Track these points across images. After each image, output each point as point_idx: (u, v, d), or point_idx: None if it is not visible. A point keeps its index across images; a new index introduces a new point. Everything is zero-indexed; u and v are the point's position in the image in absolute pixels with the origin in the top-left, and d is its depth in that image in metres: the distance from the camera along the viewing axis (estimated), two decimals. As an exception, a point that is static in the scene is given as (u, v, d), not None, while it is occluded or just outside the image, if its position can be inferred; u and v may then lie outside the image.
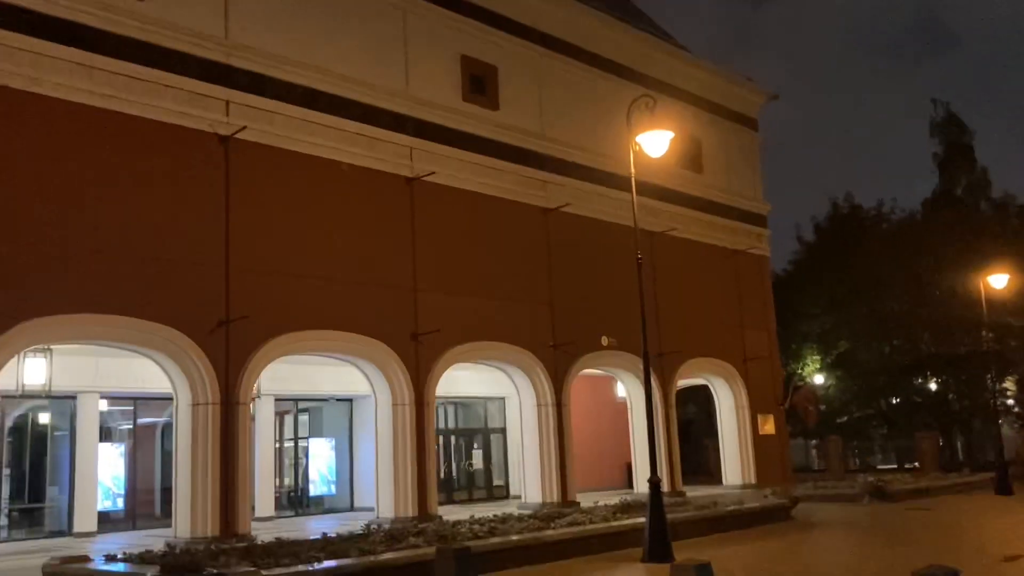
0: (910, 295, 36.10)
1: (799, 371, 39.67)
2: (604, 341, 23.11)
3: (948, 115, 40.69)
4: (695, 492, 23.94)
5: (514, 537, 12.44)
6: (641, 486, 22.54)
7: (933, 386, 39.35)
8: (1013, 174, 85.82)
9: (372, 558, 10.62)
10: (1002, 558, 12.21)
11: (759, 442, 28.90)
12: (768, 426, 29.54)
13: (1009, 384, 38.43)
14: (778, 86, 36.31)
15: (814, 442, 38.92)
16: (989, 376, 37.05)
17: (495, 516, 14.51)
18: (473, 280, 20.54)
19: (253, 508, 20.51)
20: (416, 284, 19.32)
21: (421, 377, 19.10)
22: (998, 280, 26.04)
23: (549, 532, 13.24)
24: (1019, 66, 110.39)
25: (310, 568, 10.07)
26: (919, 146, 77.69)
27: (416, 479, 18.69)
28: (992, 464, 33.25)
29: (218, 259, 16.01)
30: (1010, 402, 38.53)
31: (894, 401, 40.18)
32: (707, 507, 16.90)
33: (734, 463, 28.68)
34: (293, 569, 10.00)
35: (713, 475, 30.21)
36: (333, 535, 12.69)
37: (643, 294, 13.70)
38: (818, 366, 38.92)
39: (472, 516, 14.38)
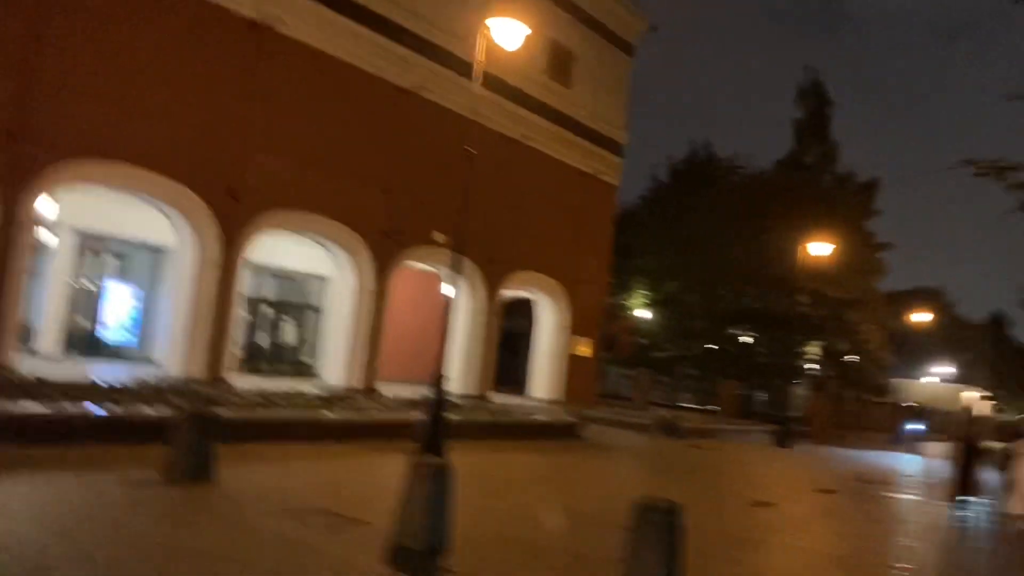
0: (743, 249, 37.53)
1: (626, 303, 40.94)
2: (438, 238, 22.62)
3: (814, 84, 41.97)
4: (503, 400, 24.27)
5: (285, 413, 11.98)
6: (452, 385, 22.55)
7: (748, 339, 41.56)
8: (858, 155, 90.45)
9: (118, 408, 9.89)
10: (752, 502, 12.86)
11: (573, 362, 29.58)
12: (584, 348, 30.24)
13: (813, 348, 41.09)
14: (664, 22, 36.00)
15: (627, 372, 40.37)
16: (796, 338, 39.63)
17: (284, 392, 14.02)
18: (310, 148, 19.41)
19: (31, 343, 19.06)
20: (246, 140, 18.03)
21: (234, 237, 18.03)
22: (819, 248, 27.26)
23: (327, 414, 12.86)
24: (891, 57, 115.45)
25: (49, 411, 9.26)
26: (787, 112, 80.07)
27: (211, 342, 17.82)
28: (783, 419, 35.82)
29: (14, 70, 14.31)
30: (810, 365, 41.22)
31: (709, 347, 42.18)
32: (498, 414, 17.02)
33: (545, 379, 29.28)
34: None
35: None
36: (102, 383, 11.81)
37: (468, 188, 13.23)
38: (645, 301, 40.23)
39: (262, 388, 13.83)
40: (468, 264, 21.47)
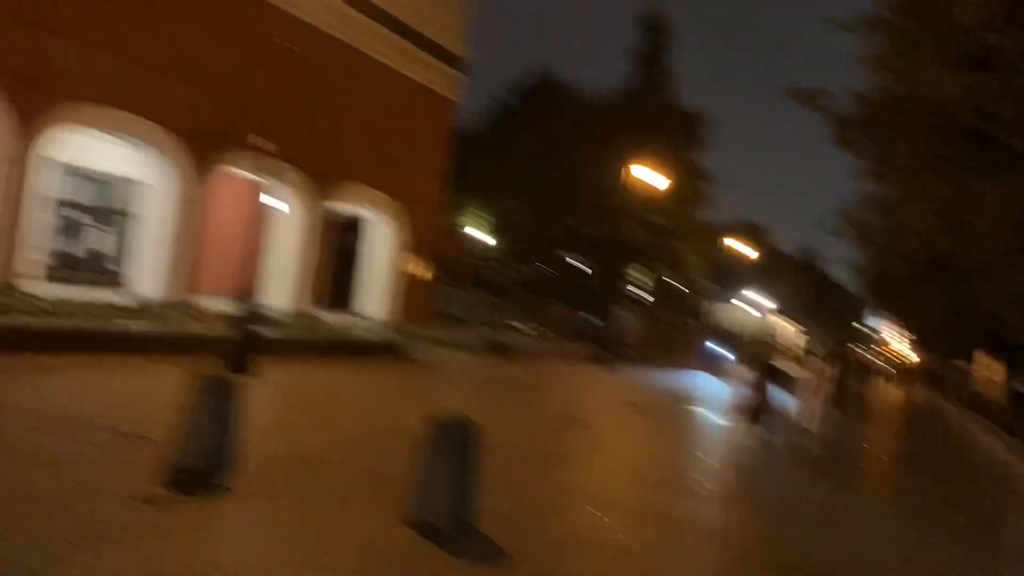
0: (575, 174, 38.07)
1: (465, 224, 40.83)
2: (260, 143, 21.41)
3: (652, 14, 42.50)
4: (334, 318, 23.72)
5: (81, 323, 11.10)
6: (270, 299, 21.76)
7: (580, 265, 42.58)
8: (697, 90, 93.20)
9: None
10: (564, 420, 13.19)
11: (407, 282, 29.31)
12: (418, 269, 30.00)
13: (639, 274, 42.65)
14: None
15: (465, 294, 40.55)
16: (624, 263, 41.01)
17: (87, 301, 12.98)
18: (122, 39, 17.73)
19: None
20: (44, 19, 16.23)
21: (29, 129, 16.33)
22: (644, 173, 27.95)
23: (129, 326, 12.04)
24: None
25: None
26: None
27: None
28: (606, 341, 37.14)
29: None
30: (636, 290, 42.81)
31: (542, 269, 42.93)
32: (319, 331, 16.57)
33: (379, 298, 28.89)
34: None
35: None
36: None
37: (291, 91, 12.45)
38: (483, 223, 40.26)
39: (64, 297, 12.73)
40: (294, 174, 20.54)
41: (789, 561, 6.79)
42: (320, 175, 23.23)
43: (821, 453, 13.90)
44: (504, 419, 11.46)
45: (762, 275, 72.53)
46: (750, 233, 74.67)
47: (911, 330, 43.49)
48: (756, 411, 15.53)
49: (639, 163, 31.29)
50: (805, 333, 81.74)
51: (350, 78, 24.13)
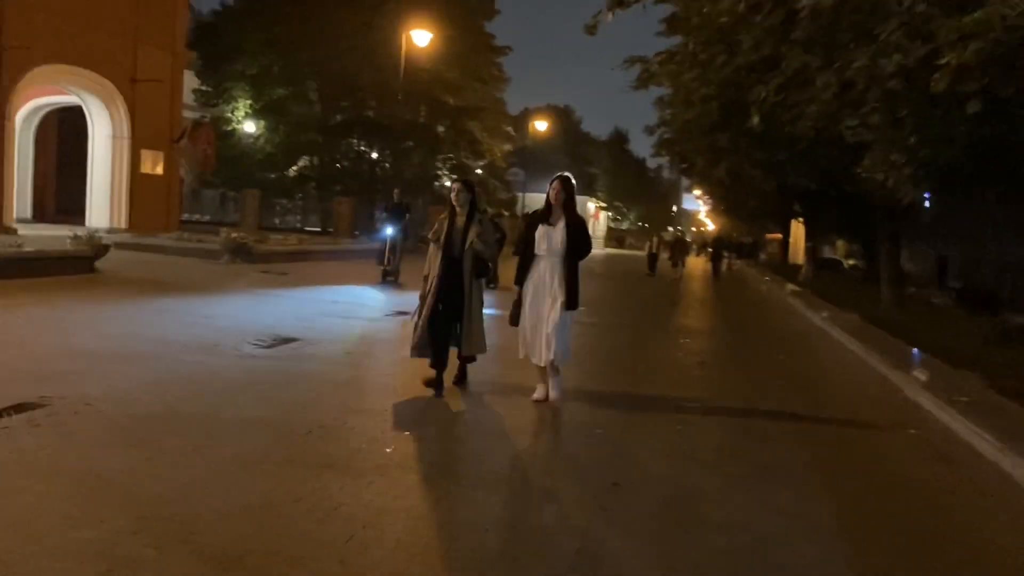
0: (357, 51, 33.53)
1: (229, 115, 35.55)
2: None
3: None
4: (40, 232, 18.79)
5: None
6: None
7: (368, 152, 38.23)
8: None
9: None
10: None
11: (140, 182, 24.37)
12: (155, 165, 25.04)
13: (438, 163, 38.95)
14: None
15: (233, 194, 35.58)
16: (420, 151, 37.10)
17: None
18: None
19: None
20: None
21: None
22: (424, 38, 24.13)
23: None
24: None
25: None
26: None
27: None
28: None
29: None
30: (442, 182, 39.09)
31: (326, 161, 38.42)
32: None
33: (103, 204, 23.89)
34: None
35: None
36: None
37: None
38: (249, 111, 35.14)
39: None
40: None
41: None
42: (4, 50, 17.90)
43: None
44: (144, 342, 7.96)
45: (572, 158, 70.99)
46: (559, 116, 72.92)
47: (725, 208, 42.74)
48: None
49: (419, 30, 27.20)
50: (612, 213, 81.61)
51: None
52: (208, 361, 7.44)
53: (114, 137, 23.70)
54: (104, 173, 23.83)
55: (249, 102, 34.82)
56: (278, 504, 4.05)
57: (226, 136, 35.60)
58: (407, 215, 17.63)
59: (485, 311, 7.09)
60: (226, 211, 36.99)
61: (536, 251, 6.46)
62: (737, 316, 16.80)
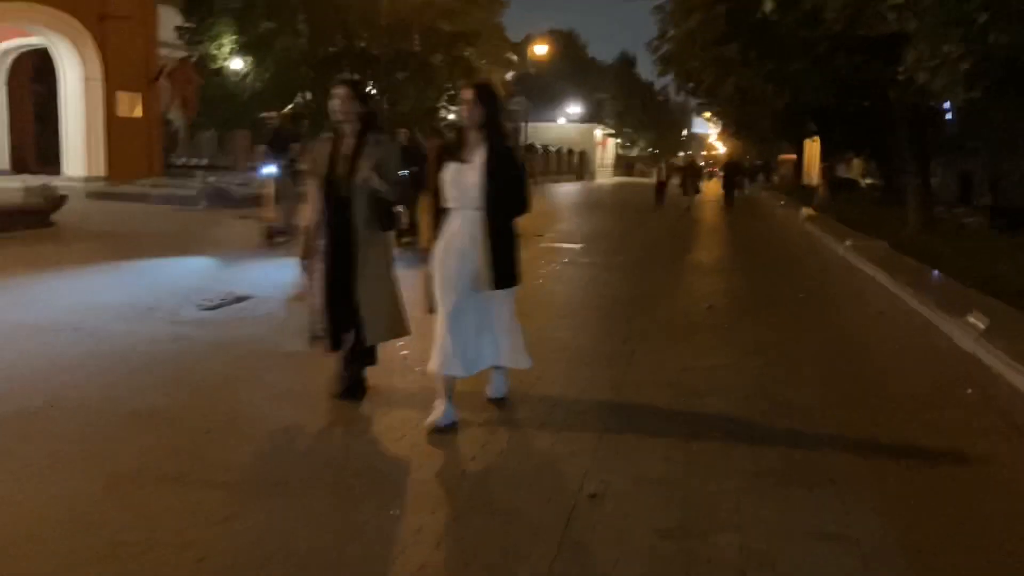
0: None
1: (213, 52, 33.90)
2: None
3: None
4: (24, 182, 17.66)
5: None
6: None
7: (371, 89, 36.62)
8: None
9: None
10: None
11: (117, 126, 23.07)
12: (133, 107, 23.72)
13: (436, 96, 37.26)
14: None
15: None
16: (418, 84, 35.51)
17: None
18: None
19: None
20: None
21: None
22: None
23: None
24: None
25: None
26: None
27: None
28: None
29: None
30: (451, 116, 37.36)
31: (319, 98, 36.82)
32: None
33: (79, 151, 22.66)
34: None
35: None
36: None
37: None
38: (234, 47, 33.47)
39: None
40: None
41: None
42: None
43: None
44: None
45: (578, 86, 68.82)
46: (561, 41, 70.43)
47: (736, 130, 40.86)
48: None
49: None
50: (619, 140, 79.35)
51: None
52: (137, 330, 6.37)
53: (86, 79, 22.34)
54: (78, 118, 22.55)
55: (234, 38, 33.13)
56: (144, 545, 2.99)
57: (213, 75, 34.09)
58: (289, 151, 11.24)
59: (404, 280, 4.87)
60: (225, 153, 35.66)
61: (445, 202, 4.36)
62: (751, 248, 15.52)
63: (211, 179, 18.27)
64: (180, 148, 33.58)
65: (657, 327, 7.50)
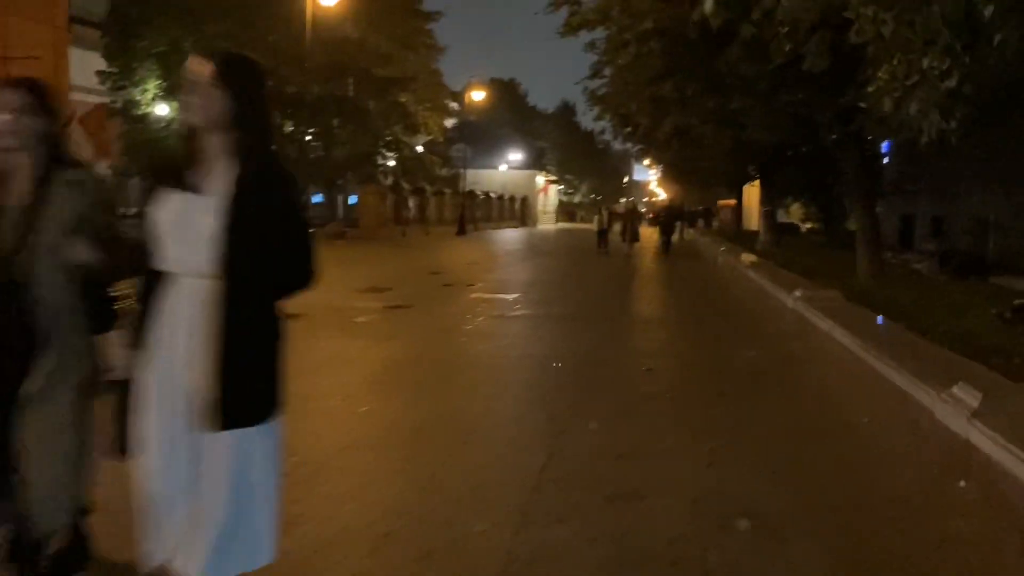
0: (269, 19, 30.69)
1: (137, 97, 32.52)
2: None
3: None
4: None
5: None
6: None
7: (307, 137, 35.37)
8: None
9: None
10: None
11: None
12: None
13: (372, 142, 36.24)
14: None
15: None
16: (349, 127, 34.47)
17: None
18: None
19: None
20: None
21: None
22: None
23: None
24: None
25: None
26: None
27: None
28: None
29: None
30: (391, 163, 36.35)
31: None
32: None
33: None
34: None
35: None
36: None
37: None
38: (158, 92, 32.13)
39: None
40: None
41: None
42: None
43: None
44: None
45: (519, 132, 68.66)
46: (504, 90, 70.39)
47: (675, 174, 40.58)
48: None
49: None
50: (562, 187, 79.33)
51: None
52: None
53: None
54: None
55: (159, 83, 31.85)
56: None
57: (136, 121, 32.69)
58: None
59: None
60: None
61: (161, 263, 2.37)
62: (694, 298, 14.59)
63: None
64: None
65: (590, 396, 6.43)
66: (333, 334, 9.06)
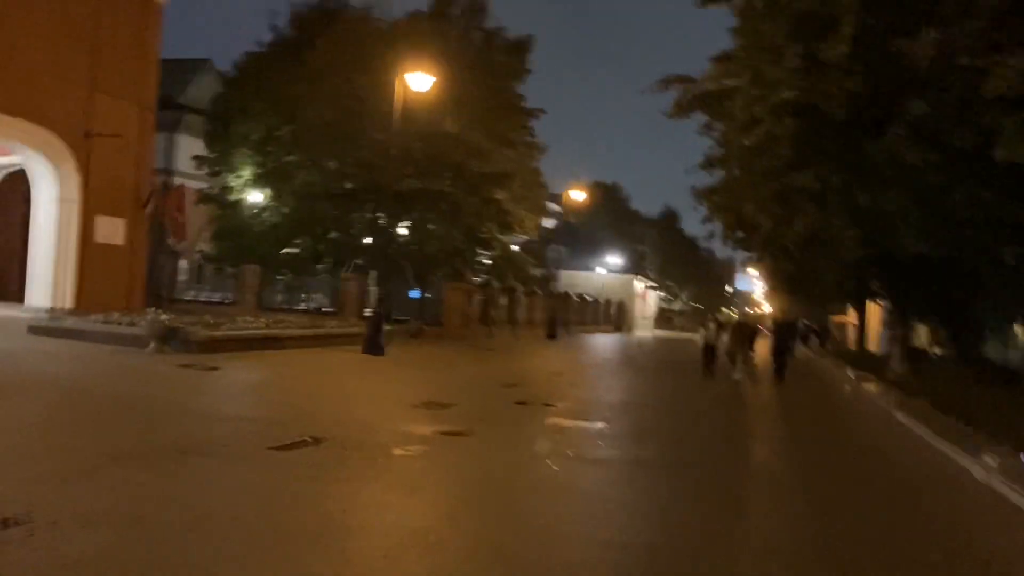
0: (367, 114, 29.87)
1: (229, 184, 32.09)
2: None
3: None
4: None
5: None
6: None
7: (394, 227, 34.20)
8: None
9: None
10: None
11: (93, 253, 20.62)
12: (113, 233, 21.30)
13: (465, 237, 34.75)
14: None
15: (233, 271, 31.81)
16: (442, 223, 33.12)
17: None
18: None
19: None
20: None
21: None
22: (420, 87, 20.34)
23: None
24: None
25: None
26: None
27: None
28: (414, 317, 29.39)
29: None
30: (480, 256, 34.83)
31: (344, 236, 34.45)
32: None
33: (45, 279, 20.13)
34: None
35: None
36: None
37: None
38: (252, 178, 31.61)
39: None
40: None
41: None
42: None
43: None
44: None
45: (619, 236, 66.88)
46: (605, 193, 69.01)
47: (789, 287, 37.38)
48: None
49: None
50: (663, 293, 76.62)
51: None
52: None
53: (61, 200, 20.10)
54: (47, 243, 20.17)
55: (252, 169, 31.36)
56: None
57: (229, 207, 32.25)
58: None
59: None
60: (221, 285, 33.37)
61: None
62: (826, 448, 11.56)
63: (164, 317, 15.33)
64: (186, 280, 31.35)
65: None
66: (353, 474, 6.87)
